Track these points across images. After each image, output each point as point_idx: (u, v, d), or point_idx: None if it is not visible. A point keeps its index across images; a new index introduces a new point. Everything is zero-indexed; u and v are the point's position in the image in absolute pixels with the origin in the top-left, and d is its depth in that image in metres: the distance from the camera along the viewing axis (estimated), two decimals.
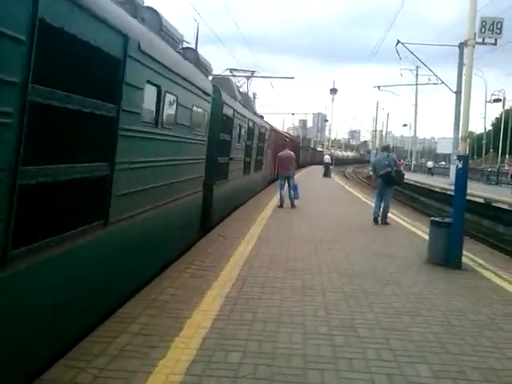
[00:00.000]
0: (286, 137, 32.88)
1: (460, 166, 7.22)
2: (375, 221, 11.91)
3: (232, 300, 5.22)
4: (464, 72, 8.08)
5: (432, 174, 44.95)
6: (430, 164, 52.88)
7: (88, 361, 3.60)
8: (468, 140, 8.45)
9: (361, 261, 7.54)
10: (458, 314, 5.22)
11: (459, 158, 7.37)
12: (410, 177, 32.80)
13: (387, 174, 11.76)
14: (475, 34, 7.15)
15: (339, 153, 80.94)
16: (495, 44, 7.40)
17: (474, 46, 7.19)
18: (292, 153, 15.42)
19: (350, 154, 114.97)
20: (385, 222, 11.90)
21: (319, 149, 77.41)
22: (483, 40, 7.27)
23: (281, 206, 14.34)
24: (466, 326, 4.88)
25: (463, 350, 4.25)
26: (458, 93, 28.78)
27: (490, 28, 7.12)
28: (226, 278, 6.08)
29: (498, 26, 7.12)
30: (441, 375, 3.70)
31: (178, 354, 3.82)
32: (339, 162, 67.36)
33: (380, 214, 11.96)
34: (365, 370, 3.72)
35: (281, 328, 4.49)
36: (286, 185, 14.72)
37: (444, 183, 27.90)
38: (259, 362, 3.75)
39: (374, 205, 12.53)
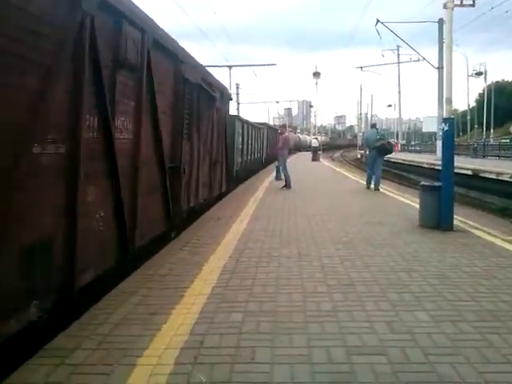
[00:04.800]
0: None
1: (446, 128, 7.30)
2: (368, 185, 13.97)
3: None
4: (444, 35, 8.14)
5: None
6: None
7: (91, 330, 3.63)
8: (453, 105, 8.53)
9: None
10: (453, 268, 5.32)
11: (445, 120, 7.45)
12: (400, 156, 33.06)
13: (382, 146, 13.59)
14: None
15: (307, 137, 66.78)
16: (473, 5, 7.47)
17: (452, 9, 7.24)
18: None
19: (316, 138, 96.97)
20: (377, 189, 13.55)
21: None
22: (461, 2, 7.34)
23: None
24: (461, 277, 4.97)
25: (460, 297, 4.34)
26: (440, 68, 28.93)
27: None
28: None
29: None
30: (440, 319, 3.79)
31: (180, 318, 3.86)
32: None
33: (373, 182, 13.80)
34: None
35: (280, 290, 4.55)
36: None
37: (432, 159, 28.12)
38: (261, 319, 3.80)
39: (367, 175, 14.50)
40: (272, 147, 31.18)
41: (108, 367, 3.03)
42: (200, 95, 8.64)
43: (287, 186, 14.55)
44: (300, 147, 54.40)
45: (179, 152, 7.33)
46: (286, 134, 16.58)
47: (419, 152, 43.82)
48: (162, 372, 2.95)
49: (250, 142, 21.41)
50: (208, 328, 3.64)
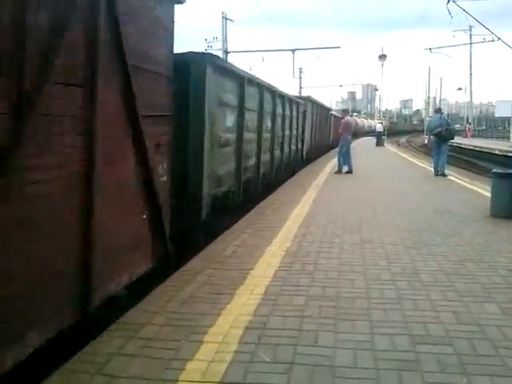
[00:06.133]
0: None
1: None
2: (436, 173, 13.68)
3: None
4: None
5: None
6: None
7: (160, 306, 3.80)
8: None
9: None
10: None
11: None
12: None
13: (439, 133, 13.52)
14: None
15: (365, 122, 62.63)
16: None
17: None
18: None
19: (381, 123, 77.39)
20: (444, 175, 13.40)
21: None
22: None
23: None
24: None
25: None
26: None
27: None
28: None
29: None
30: (511, 312, 3.65)
31: (244, 299, 3.95)
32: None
33: (439, 167, 13.69)
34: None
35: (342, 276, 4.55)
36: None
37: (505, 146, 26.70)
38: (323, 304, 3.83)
39: (433, 160, 14.39)
40: (322, 134, 24.00)
41: (176, 343, 3.17)
42: None
43: (349, 171, 14.37)
44: (356, 133, 41.96)
45: None
46: (347, 118, 16.19)
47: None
48: (228, 350, 3.05)
49: (274, 125, 10.86)
50: (271, 310, 3.71)
